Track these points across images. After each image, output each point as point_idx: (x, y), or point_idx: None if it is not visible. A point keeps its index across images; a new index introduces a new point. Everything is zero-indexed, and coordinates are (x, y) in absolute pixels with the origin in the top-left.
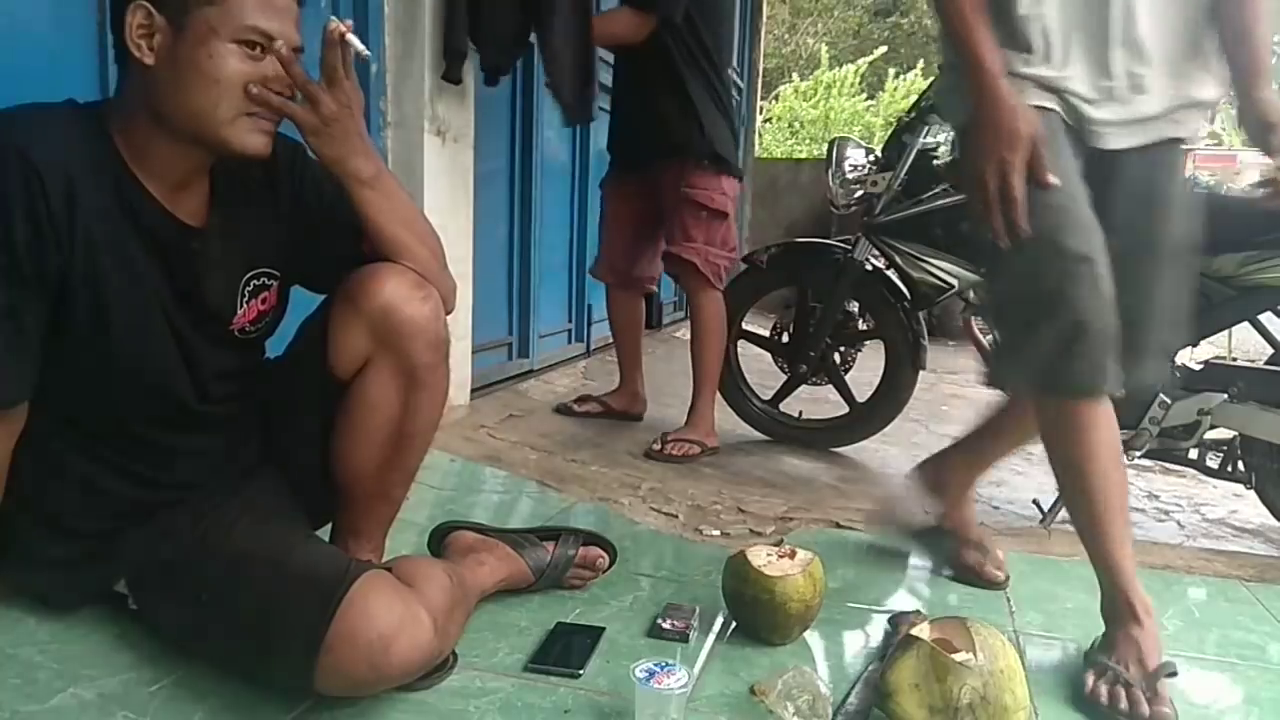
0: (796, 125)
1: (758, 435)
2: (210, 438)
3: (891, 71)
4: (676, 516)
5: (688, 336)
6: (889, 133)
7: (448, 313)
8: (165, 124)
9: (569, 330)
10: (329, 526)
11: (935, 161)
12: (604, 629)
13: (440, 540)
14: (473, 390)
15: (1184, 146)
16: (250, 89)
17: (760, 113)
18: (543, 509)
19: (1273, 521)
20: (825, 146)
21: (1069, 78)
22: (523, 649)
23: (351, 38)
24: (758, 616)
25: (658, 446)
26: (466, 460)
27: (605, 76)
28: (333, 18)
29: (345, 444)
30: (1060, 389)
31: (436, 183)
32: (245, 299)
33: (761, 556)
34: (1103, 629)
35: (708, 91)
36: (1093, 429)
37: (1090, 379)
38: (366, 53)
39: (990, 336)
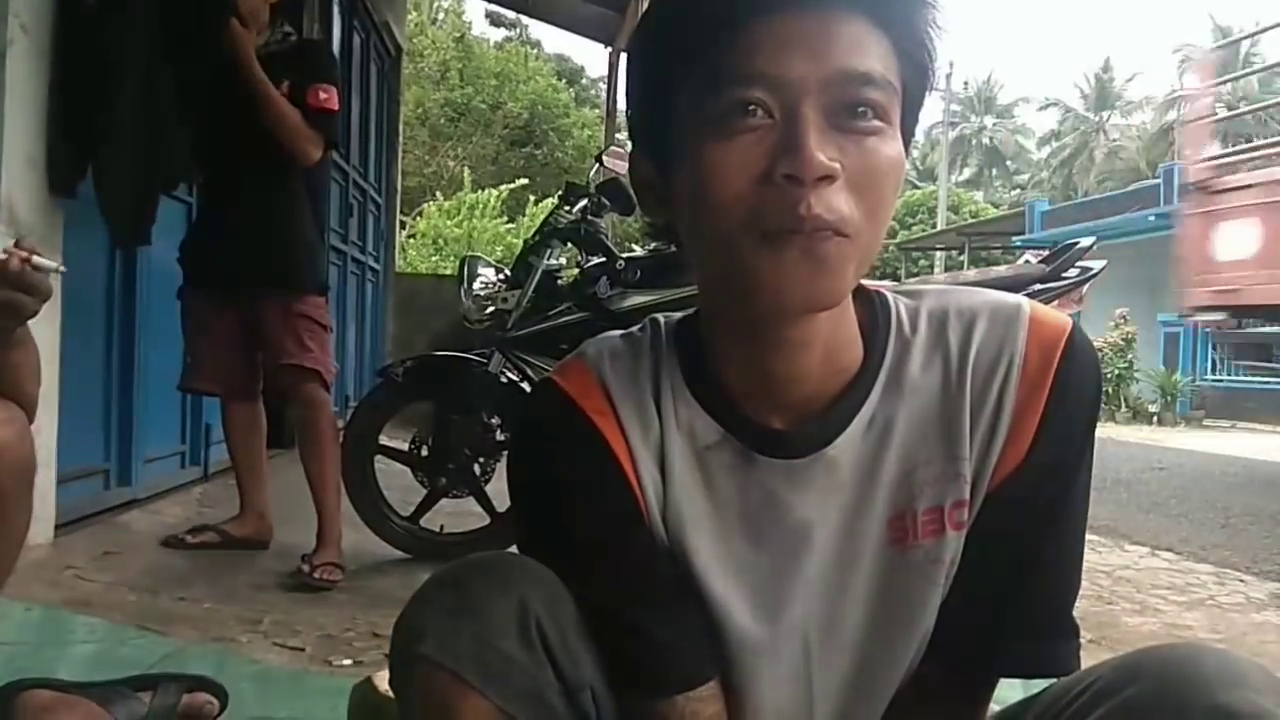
0: (440, 242)
1: (397, 554)
2: None
3: (531, 198)
4: (303, 650)
5: None
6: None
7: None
8: None
9: (182, 453)
10: None
11: (559, 281)
12: None
13: (8, 704)
14: (58, 525)
15: None
16: None
17: (403, 228)
18: (144, 657)
19: None
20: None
21: None
22: None
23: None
24: None
25: (307, 569)
26: (47, 607)
27: None
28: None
29: None
30: None
31: None
32: None
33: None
34: None
35: (314, 217)
36: None
37: None
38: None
39: None
